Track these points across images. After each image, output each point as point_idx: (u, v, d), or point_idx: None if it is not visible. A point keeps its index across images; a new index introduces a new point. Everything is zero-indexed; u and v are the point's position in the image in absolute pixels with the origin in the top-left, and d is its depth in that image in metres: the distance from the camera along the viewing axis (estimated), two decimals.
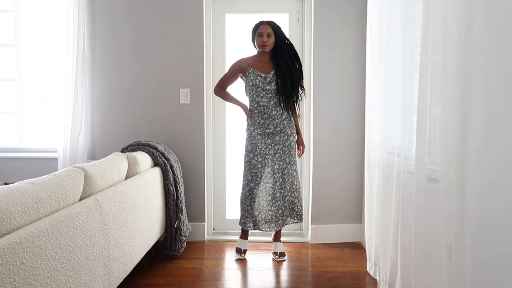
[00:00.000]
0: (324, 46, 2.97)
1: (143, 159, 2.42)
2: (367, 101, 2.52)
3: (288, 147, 2.66)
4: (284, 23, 3.08)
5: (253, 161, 2.64)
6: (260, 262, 2.69)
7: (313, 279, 2.40)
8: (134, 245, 2.05)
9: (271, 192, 2.66)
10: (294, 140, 2.69)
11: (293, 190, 2.71)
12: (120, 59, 3.05)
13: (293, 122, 2.71)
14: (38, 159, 3.14)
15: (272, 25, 2.59)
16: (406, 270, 1.81)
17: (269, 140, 2.63)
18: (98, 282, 1.62)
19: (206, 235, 3.13)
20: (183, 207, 2.75)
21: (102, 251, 1.66)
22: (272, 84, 2.59)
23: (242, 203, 2.73)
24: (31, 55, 3.16)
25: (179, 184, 2.72)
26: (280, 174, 2.66)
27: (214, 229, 3.28)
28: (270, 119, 2.62)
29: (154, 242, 2.43)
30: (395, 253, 1.95)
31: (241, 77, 2.73)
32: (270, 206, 2.68)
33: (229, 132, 3.24)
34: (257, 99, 2.62)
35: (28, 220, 1.26)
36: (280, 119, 2.63)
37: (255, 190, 2.66)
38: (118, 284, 1.84)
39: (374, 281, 2.32)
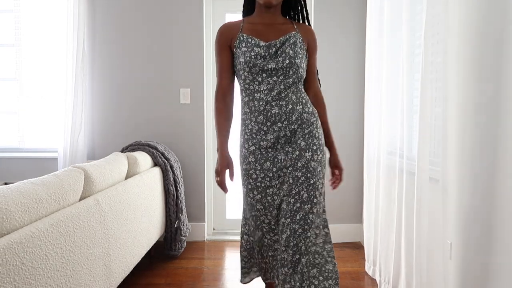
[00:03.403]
0: (324, 46, 2.97)
1: (143, 159, 2.42)
2: (367, 101, 2.52)
3: (306, 169, 1.52)
4: None
5: (249, 199, 1.62)
6: None
7: None
8: (134, 245, 2.05)
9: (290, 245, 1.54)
10: (320, 155, 1.56)
11: (321, 248, 1.57)
12: (120, 59, 3.05)
13: (318, 120, 1.61)
14: (38, 159, 3.14)
15: None
16: (410, 270, 1.81)
17: (269, 163, 1.55)
18: (98, 282, 1.62)
19: (206, 235, 3.13)
20: (183, 207, 2.75)
21: (102, 251, 1.66)
22: (280, 59, 1.50)
23: (245, 255, 1.78)
24: (31, 55, 3.16)
25: (179, 184, 2.72)
26: (288, 221, 1.54)
27: (214, 229, 3.28)
28: (269, 122, 1.52)
29: (154, 242, 2.43)
30: (398, 253, 1.95)
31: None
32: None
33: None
34: (250, 87, 1.54)
35: (28, 220, 1.26)
36: (287, 119, 1.53)
37: (265, 240, 1.66)
38: (118, 284, 1.84)
39: (373, 281, 2.32)
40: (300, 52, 1.56)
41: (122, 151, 2.68)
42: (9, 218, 1.17)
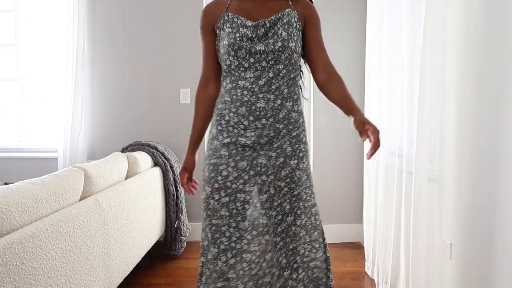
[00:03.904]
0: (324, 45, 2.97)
1: (143, 159, 2.42)
2: (367, 101, 2.52)
3: (290, 179, 1.35)
4: None
5: (212, 201, 1.33)
6: None
7: None
8: (134, 245, 2.05)
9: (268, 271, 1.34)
10: (306, 162, 1.38)
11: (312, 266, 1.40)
12: (120, 59, 3.05)
13: (304, 121, 1.42)
14: (38, 159, 3.14)
15: None
16: (408, 270, 1.81)
17: (245, 162, 1.32)
18: (98, 282, 1.62)
19: None
20: (183, 207, 2.75)
21: (102, 251, 1.66)
22: (270, 41, 1.29)
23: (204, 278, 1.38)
24: (31, 55, 3.16)
25: (179, 184, 2.72)
26: (271, 237, 1.34)
27: None
28: (252, 116, 1.31)
29: (154, 242, 2.43)
30: (396, 253, 1.95)
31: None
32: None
33: None
34: (236, 73, 1.33)
35: (28, 220, 1.26)
36: (274, 116, 1.31)
37: (218, 263, 1.33)
38: (118, 284, 1.84)
39: (373, 282, 2.32)
40: (296, 34, 1.33)
41: (122, 151, 2.68)
42: (9, 218, 1.17)
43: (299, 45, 1.34)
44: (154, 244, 2.51)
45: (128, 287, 2.23)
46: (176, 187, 2.69)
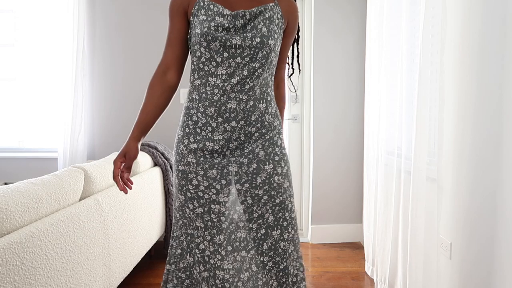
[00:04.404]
0: (324, 46, 2.97)
1: (143, 159, 2.42)
2: (367, 101, 2.52)
3: (269, 186, 1.22)
4: None
5: (187, 210, 1.24)
6: None
7: (313, 279, 2.40)
8: (134, 245, 2.05)
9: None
10: (285, 167, 1.25)
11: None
12: (120, 59, 3.05)
13: (281, 124, 1.31)
14: (38, 159, 3.14)
15: None
16: (406, 269, 1.81)
17: (215, 171, 1.22)
18: (98, 282, 1.62)
19: None
20: None
21: (102, 251, 1.67)
22: (248, 34, 1.17)
23: None
24: (31, 55, 3.16)
25: None
26: (251, 253, 1.24)
27: None
28: (221, 118, 1.20)
29: (154, 242, 2.43)
30: (395, 252, 1.96)
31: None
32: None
33: None
34: (205, 68, 1.20)
35: (28, 220, 1.26)
36: (245, 118, 1.21)
37: (194, 272, 1.26)
38: (118, 284, 1.84)
39: (373, 282, 2.32)
40: (277, 31, 1.21)
41: None
42: (9, 218, 1.17)
43: (278, 44, 1.22)
44: (154, 244, 2.51)
45: (128, 287, 2.23)
46: None
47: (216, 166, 1.21)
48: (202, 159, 1.21)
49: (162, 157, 2.66)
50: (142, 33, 3.03)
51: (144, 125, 1.25)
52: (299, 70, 1.46)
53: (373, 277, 2.34)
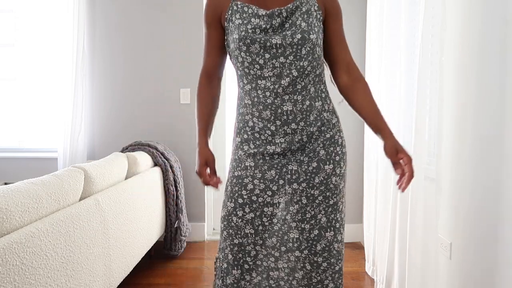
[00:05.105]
0: None
1: (143, 159, 2.42)
2: None
3: (325, 187, 1.20)
4: None
5: (235, 218, 1.21)
6: None
7: None
8: (134, 245, 2.05)
9: None
10: (343, 167, 1.24)
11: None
12: (120, 59, 3.05)
13: (340, 121, 1.28)
14: (38, 159, 3.14)
15: None
16: (403, 269, 1.81)
17: (273, 172, 1.19)
18: (98, 282, 1.62)
19: (206, 235, 3.13)
20: (183, 207, 2.75)
21: (102, 251, 1.67)
22: (288, 32, 1.13)
23: None
24: (31, 55, 3.16)
25: (179, 184, 2.72)
26: (305, 253, 1.19)
27: (214, 229, 3.28)
28: (279, 121, 1.16)
29: (154, 242, 2.43)
30: (395, 253, 1.96)
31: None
32: None
33: (229, 131, 3.24)
34: (251, 72, 1.16)
35: (28, 220, 1.27)
36: (304, 119, 1.17)
37: (241, 284, 1.23)
38: (118, 284, 1.84)
39: (373, 282, 2.32)
40: (317, 24, 1.17)
41: (122, 151, 2.68)
42: (9, 218, 1.17)
43: (320, 37, 1.18)
44: (154, 244, 2.51)
45: (128, 287, 2.23)
46: (176, 187, 2.69)
47: (275, 166, 1.18)
48: (261, 161, 1.19)
49: (162, 157, 2.66)
50: (142, 33, 3.03)
51: (206, 129, 1.26)
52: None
53: (373, 277, 2.34)
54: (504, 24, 1.20)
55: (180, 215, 2.68)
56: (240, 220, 1.19)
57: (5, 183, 3.10)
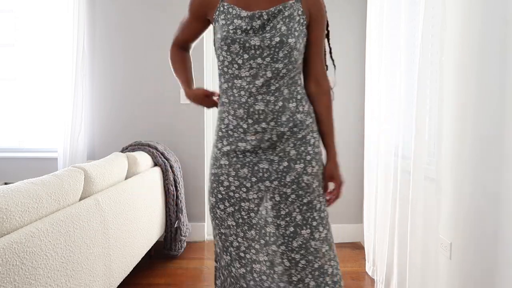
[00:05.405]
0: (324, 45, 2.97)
1: (143, 159, 2.42)
2: (367, 101, 2.52)
3: (297, 185, 1.21)
4: None
5: (218, 211, 1.29)
6: None
7: None
8: (134, 245, 2.05)
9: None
10: (316, 166, 1.24)
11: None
12: (120, 59, 3.05)
13: (315, 122, 1.29)
14: (38, 159, 3.14)
15: None
16: (403, 269, 1.81)
17: (246, 170, 1.24)
18: (98, 282, 1.62)
19: (206, 235, 3.13)
20: (183, 207, 2.75)
21: (102, 251, 1.67)
22: (267, 35, 1.17)
23: None
24: (31, 55, 3.16)
25: (179, 184, 2.72)
26: (282, 249, 1.22)
27: None
28: (251, 119, 1.20)
29: (154, 242, 2.43)
30: (395, 253, 1.96)
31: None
32: None
33: None
34: (229, 71, 1.22)
35: (28, 220, 1.27)
36: (275, 119, 1.20)
37: (232, 270, 1.31)
38: (118, 284, 1.84)
39: (374, 281, 2.32)
40: (298, 28, 1.20)
41: (122, 151, 2.68)
42: (9, 218, 1.17)
43: (300, 41, 1.20)
44: (154, 244, 2.51)
45: (128, 287, 2.23)
46: (176, 187, 2.69)
47: (247, 164, 1.23)
48: (234, 159, 1.24)
49: (162, 157, 2.66)
50: (142, 33, 3.03)
51: (188, 81, 1.38)
52: (334, 66, 1.40)
53: (373, 277, 2.34)
54: (504, 24, 1.20)
55: (180, 215, 2.68)
56: (222, 212, 1.28)
57: (5, 183, 3.10)
